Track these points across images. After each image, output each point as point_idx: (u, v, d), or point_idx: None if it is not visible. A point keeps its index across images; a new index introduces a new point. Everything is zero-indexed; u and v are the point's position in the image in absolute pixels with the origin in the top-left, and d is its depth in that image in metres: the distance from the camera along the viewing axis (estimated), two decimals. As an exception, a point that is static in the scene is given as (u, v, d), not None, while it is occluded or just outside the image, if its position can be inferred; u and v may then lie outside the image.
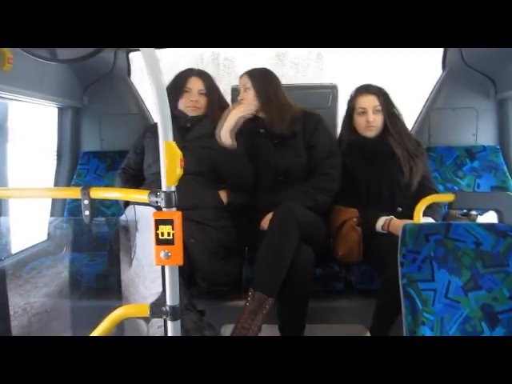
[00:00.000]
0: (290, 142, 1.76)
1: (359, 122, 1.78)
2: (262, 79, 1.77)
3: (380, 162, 1.77)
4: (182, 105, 1.83)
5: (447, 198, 1.46)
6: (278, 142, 1.76)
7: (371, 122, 1.75)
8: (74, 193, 1.01)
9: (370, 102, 1.76)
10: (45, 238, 1.63)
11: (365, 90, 1.79)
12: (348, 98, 1.85)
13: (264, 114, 1.76)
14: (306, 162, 1.76)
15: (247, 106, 1.74)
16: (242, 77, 1.79)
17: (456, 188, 2.07)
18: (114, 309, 0.94)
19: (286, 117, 1.74)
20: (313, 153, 1.76)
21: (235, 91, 2.03)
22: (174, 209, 0.86)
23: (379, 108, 1.76)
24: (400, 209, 1.74)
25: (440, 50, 2.25)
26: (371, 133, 1.78)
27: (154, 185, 1.69)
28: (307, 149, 1.76)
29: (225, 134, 1.68)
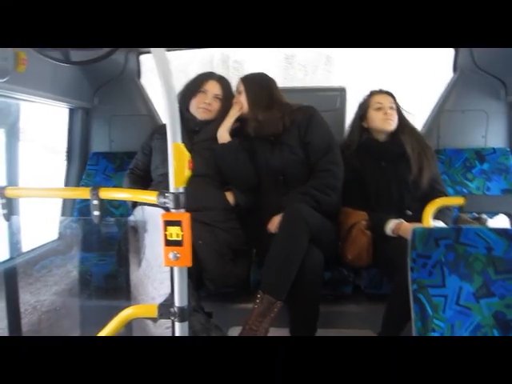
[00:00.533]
0: (286, 141, 1.75)
1: (376, 116, 1.79)
2: (253, 83, 1.81)
3: (390, 163, 1.77)
4: (194, 105, 1.83)
5: (456, 201, 1.44)
6: (275, 141, 1.77)
7: (389, 115, 1.78)
8: (83, 193, 1.02)
9: (386, 98, 1.82)
10: (55, 237, 1.65)
11: (379, 90, 1.86)
12: (360, 100, 1.87)
13: (251, 116, 1.78)
14: (302, 160, 1.75)
15: (243, 108, 1.79)
16: (238, 81, 1.84)
17: (465, 190, 2.03)
18: (123, 309, 0.94)
19: (267, 119, 1.75)
20: (310, 149, 1.75)
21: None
22: (182, 210, 0.86)
23: (394, 106, 1.81)
24: (410, 212, 1.72)
25: (451, 53, 2.23)
26: (390, 126, 1.78)
27: (161, 186, 1.69)
28: (303, 146, 1.75)
29: (223, 133, 1.76)
